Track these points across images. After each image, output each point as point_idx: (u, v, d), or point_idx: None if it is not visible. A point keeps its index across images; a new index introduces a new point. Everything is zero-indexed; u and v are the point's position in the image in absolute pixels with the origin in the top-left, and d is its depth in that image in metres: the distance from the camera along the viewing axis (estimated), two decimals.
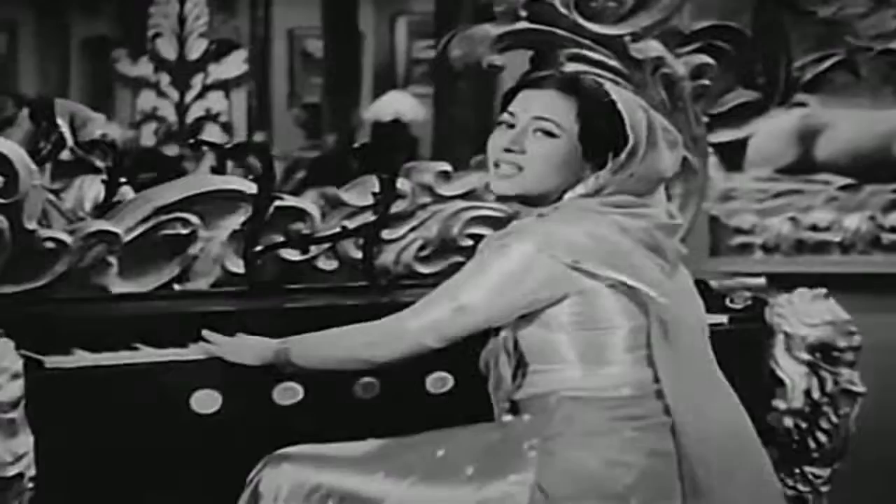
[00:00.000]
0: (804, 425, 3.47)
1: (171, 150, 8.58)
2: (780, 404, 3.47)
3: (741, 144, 6.15)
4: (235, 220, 3.48)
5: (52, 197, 3.59)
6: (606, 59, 3.94)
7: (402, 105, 8.81)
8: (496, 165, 2.78)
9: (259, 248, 3.40)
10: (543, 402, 2.71)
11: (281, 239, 3.48)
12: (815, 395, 3.46)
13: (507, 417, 2.80)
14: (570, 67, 3.89)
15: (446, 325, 2.68)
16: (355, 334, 2.77)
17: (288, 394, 2.97)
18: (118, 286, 3.36)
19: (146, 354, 2.96)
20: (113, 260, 3.35)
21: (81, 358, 2.88)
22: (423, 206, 3.73)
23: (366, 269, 3.50)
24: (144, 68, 9.57)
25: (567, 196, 2.76)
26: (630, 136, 2.72)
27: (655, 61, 3.99)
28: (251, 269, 3.39)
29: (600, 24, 3.87)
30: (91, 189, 3.83)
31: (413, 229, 3.72)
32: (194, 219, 3.43)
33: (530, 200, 2.79)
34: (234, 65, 9.80)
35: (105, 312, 3.18)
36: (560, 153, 2.73)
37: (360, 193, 3.64)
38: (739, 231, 6.11)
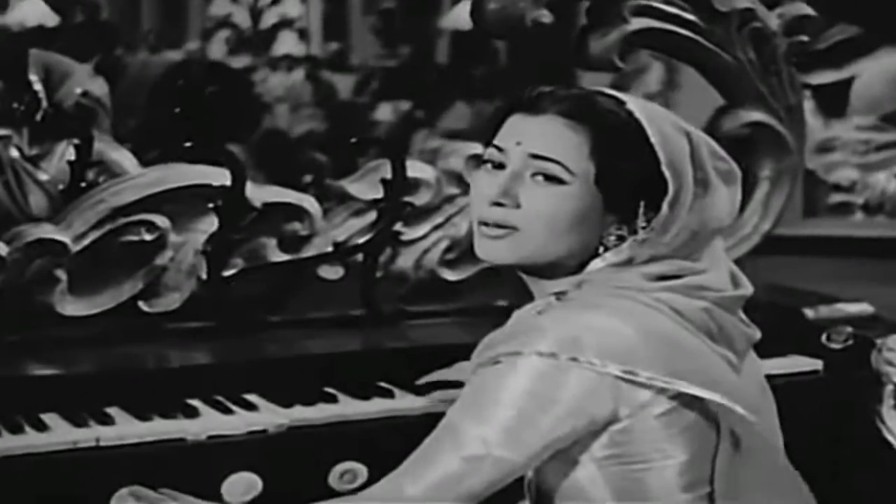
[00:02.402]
0: None
1: (241, 62, 7.80)
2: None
3: (843, 88, 5.17)
4: (213, 222, 2.66)
5: (28, 167, 2.82)
6: (682, 11, 3.08)
7: None
8: (482, 224, 1.86)
9: (227, 272, 2.52)
10: None
11: (257, 260, 2.62)
12: None
13: None
14: (637, 23, 3.08)
15: (459, 483, 1.76)
16: None
17: (238, 488, 2.11)
18: (68, 306, 2.60)
19: (58, 437, 2.15)
20: (61, 274, 2.59)
21: None
22: (450, 199, 2.90)
23: (365, 293, 2.62)
24: None
25: (592, 266, 1.85)
26: (669, 177, 1.82)
27: (743, 14, 3.13)
28: (218, 293, 2.53)
29: None
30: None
31: (437, 227, 2.89)
32: (162, 221, 2.64)
33: (535, 270, 1.88)
34: None
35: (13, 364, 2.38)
36: (571, 206, 1.84)
37: (370, 185, 2.81)
38: (838, 188, 5.21)
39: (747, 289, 1.93)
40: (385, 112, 7.44)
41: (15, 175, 2.73)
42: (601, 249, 1.87)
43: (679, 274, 1.85)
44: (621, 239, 1.86)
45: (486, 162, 1.90)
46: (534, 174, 1.84)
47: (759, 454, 1.87)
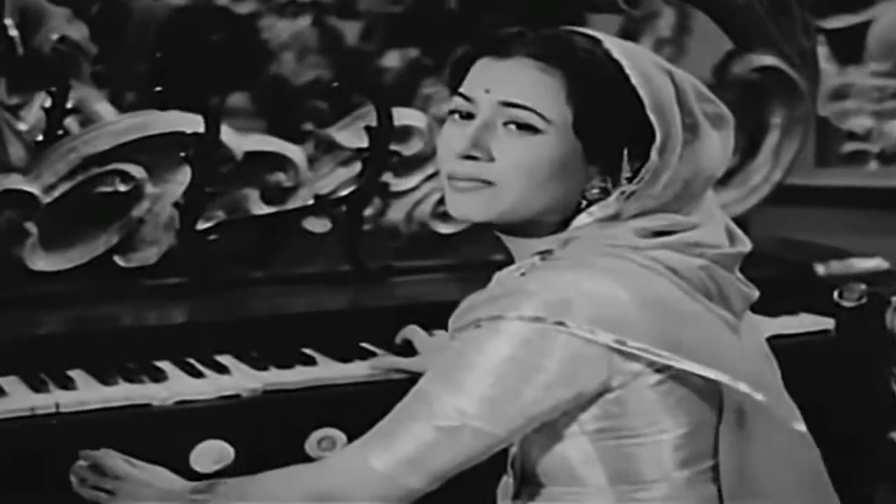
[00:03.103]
0: None
1: (246, 7, 7.59)
2: None
3: (859, 32, 4.93)
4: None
5: (8, 116, 2.68)
6: None
7: None
8: (452, 178, 1.69)
9: (204, 224, 2.36)
10: None
11: (238, 213, 2.46)
12: None
13: None
14: None
15: (431, 456, 1.59)
16: (302, 484, 1.69)
17: (208, 457, 1.97)
18: (39, 261, 2.45)
19: (15, 403, 2.02)
20: (31, 227, 2.44)
21: None
22: None
23: (349, 248, 2.46)
24: None
25: (577, 221, 1.69)
26: (656, 122, 1.66)
27: None
28: (193, 247, 2.37)
29: None
30: None
31: (430, 178, 2.73)
32: (138, 171, 2.48)
33: (513, 228, 1.71)
34: None
35: None
36: (549, 156, 1.66)
37: (359, 133, 2.65)
38: (852, 136, 4.97)
39: (745, 245, 1.76)
40: (392, 59, 7.22)
41: None
42: (583, 203, 1.70)
43: (673, 229, 1.68)
44: (605, 192, 1.69)
45: (452, 112, 1.72)
46: (506, 123, 1.67)
47: (765, 425, 1.71)
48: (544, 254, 1.70)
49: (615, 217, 1.67)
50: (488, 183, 1.66)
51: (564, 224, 1.70)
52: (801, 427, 1.73)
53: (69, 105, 2.71)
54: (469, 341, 1.62)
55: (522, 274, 1.69)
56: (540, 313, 1.57)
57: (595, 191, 1.68)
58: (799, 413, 1.78)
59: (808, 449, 1.79)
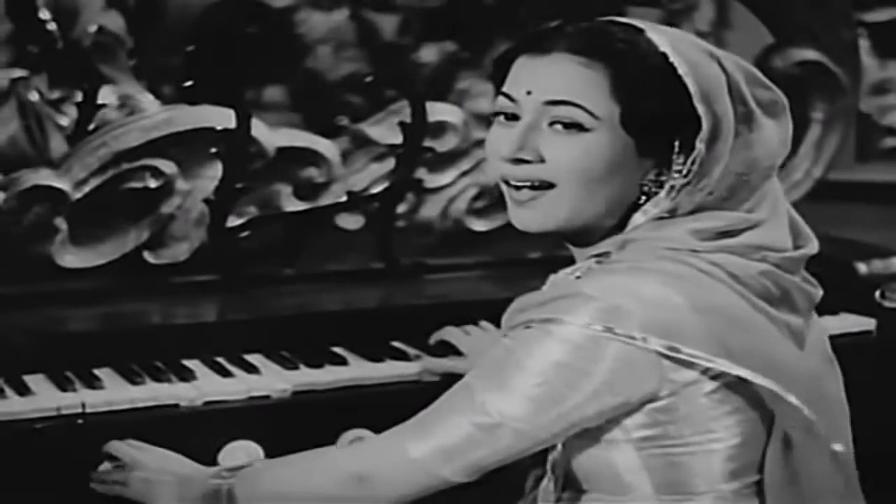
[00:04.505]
0: None
1: (282, 1, 7.56)
2: None
3: None
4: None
5: (50, 110, 2.64)
6: None
7: None
8: (507, 184, 1.63)
9: (232, 222, 2.32)
10: None
11: (271, 209, 2.41)
12: None
13: None
14: None
15: (467, 450, 1.56)
16: (337, 465, 1.67)
17: (237, 458, 1.93)
18: (68, 257, 2.42)
19: (40, 402, 1.96)
20: (61, 223, 2.40)
21: None
22: (479, 144, 2.69)
23: (381, 245, 2.42)
24: None
25: (634, 221, 1.64)
26: (702, 112, 1.59)
27: None
28: (224, 244, 2.33)
29: None
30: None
31: (465, 174, 2.71)
32: (168, 167, 2.44)
33: (575, 234, 1.65)
34: None
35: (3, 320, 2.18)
36: (600, 154, 1.60)
37: (392, 128, 2.63)
38: (893, 132, 4.87)
39: (811, 245, 1.68)
40: (429, 53, 7.15)
41: (36, 119, 2.56)
42: (642, 199, 1.64)
43: (733, 229, 1.61)
44: (661, 186, 1.62)
45: (497, 114, 1.66)
46: (551, 123, 1.60)
47: (813, 440, 1.64)
48: (601, 256, 1.65)
49: (671, 214, 1.61)
50: (547, 185, 1.60)
51: (622, 225, 1.64)
52: (839, 447, 1.67)
53: (111, 100, 2.69)
54: (520, 341, 1.57)
55: (578, 277, 1.64)
56: (593, 319, 1.52)
57: (653, 184, 1.62)
58: (848, 427, 1.72)
59: (845, 466, 1.72)
